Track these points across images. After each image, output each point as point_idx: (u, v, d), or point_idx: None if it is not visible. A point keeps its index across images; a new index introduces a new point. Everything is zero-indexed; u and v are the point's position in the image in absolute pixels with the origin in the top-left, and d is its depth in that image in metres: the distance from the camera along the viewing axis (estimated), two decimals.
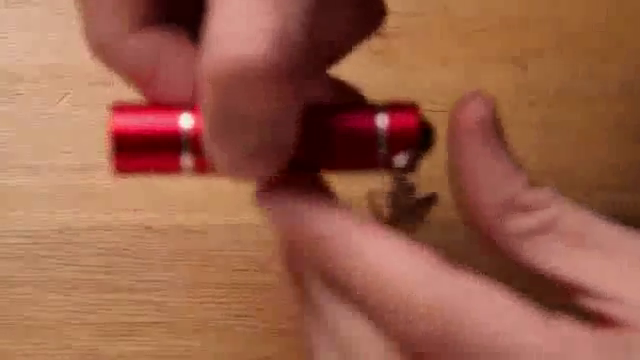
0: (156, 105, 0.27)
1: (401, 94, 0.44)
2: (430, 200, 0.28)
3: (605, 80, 0.45)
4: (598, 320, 0.25)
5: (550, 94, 0.45)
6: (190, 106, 0.26)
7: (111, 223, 0.42)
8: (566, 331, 0.24)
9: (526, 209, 0.26)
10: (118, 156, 0.26)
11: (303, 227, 0.26)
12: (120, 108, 0.27)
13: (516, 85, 0.45)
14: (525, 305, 0.24)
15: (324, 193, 0.27)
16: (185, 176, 0.27)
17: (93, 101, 0.44)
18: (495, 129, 0.27)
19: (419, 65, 0.45)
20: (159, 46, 0.27)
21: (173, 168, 0.27)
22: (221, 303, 0.41)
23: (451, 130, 0.27)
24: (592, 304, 0.26)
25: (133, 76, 0.27)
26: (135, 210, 0.42)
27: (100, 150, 0.43)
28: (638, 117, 0.45)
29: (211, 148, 0.24)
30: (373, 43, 0.44)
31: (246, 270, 0.42)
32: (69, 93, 0.44)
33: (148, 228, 0.42)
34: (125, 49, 0.27)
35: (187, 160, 0.26)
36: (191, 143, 0.26)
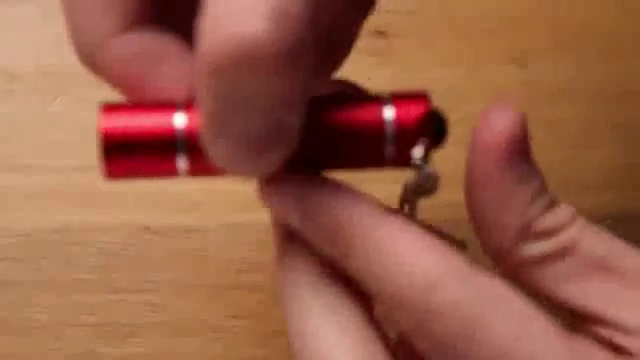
0: (147, 104, 0.25)
1: None
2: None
3: (605, 80, 0.45)
4: (611, 349, 0.25)
5: (550, 94, 0.45)
6: (183, 104, 0.25)
7: (108, 223, 0.42)
8: (589, 349, 0.24)
9: (543, 234, 0.25)
10: (108, 159, 0.25)
11: (323, 216, 0.25)
12: (109, 108, 0.25)
13: (516, 85, 0.45)
14: (547, 315, 0.24)
15: (340, 183, 0.25)
16: (181, 178, 0.26)
17: (90, 100, 0.43)
18: (523, 149, 0.25)
19: (419, 65, 0.45)
20: (148, 47, 0.26)
21: (169, 170, 0.25)
22: (219, 304, 0.41)
23: (474, 144, 0.25)
24: (606, 333, 0.25)
25: (121, 80, 0.26)
26: (132, 210, 0.42)
27: (97, 150, 0.43)
28: (638, 117, 0.45)
29: (211, 143, 0.23)
30: (373, 43, 0.44)
31: (244, 271, 0.41)
32: (66, 92, 0.44)
33: (146, 228, 0.42)
34: (112, 51, 0.26)
35: (183, 161, 0.25)
36: (187, 143, 0.25)
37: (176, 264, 0.42)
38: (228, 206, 0.42)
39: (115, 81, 0.26)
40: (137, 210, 0.42)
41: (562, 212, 0.26)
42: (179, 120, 0.25)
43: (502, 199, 0.25)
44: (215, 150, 0.23)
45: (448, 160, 0.28)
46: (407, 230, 0.24)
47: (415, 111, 0.25)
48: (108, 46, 0.26)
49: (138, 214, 0.42)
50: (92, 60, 0.26)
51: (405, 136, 0.25)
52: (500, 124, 0.25)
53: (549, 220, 0.25)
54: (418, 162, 0.25)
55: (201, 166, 0.25)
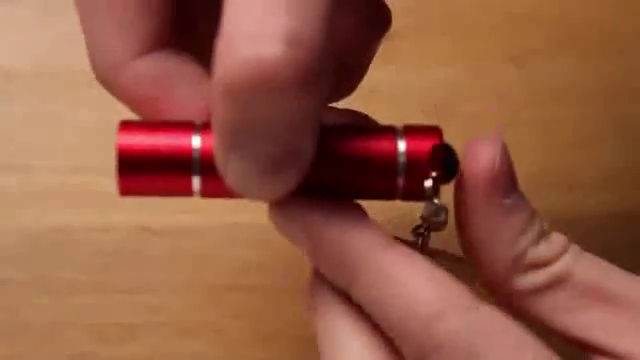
0: (165, 123, 0.26)
1: (401, 93, 0.44)
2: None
3: (605, 79, 0.45)
4: None
5: (549, 93, 0.45)
6: (200, 124, 0.25)
7: (108, 224, 0.42)
8: None
9: (536, 265, 0.25)
10: (123, 176, 0.25)
11: (328, 244, 0.25)
12: (127, 125, 0.25)
13: (516, 84, 0.45)
14: (549, 351, 0.24)
15: (347, 209, 0.25)
16: (195, 197, 0.26)
17: (88, 101, 0.44)
18: (509, 180, 0.25)
19: (418, 64, 0.44)
20: (164, 71, 0.26)
21: (182, 190, 0.25)
22: (218, 304, 0.41)
23: (460, 179, 0.25)
24: None
25: (136, 103, 0.27)
26: (132, 210, 0.42)
27: (96, 150, 0.43)
28: (638, 117, 0.45)
29: (224, 165, 0.23)
30: None
31: (243, 271, 0.41)
32: (64, 92, 0.44)
33: (145, 229, 0.42)
34: (127, 75, 0.26)
35: (198, 182, 0.25)
36: (202, 163, 0.25)
37: (176, 265, 0.42)
38: (228, 207, 0.42)
39: (130, 103, 0.27)
40: (137, 210, 0.42)
41: (554, 242, 0.26)
42: (195, 141, 0.25)
43: (492, 231, 0.25)
44: (228, 172, 0.23)
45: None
46: (411, 260, 0.24)
47: (427, 144, 0.25)
48: (123, 69, 0.26)
49: (138, 214, 0.42)
50: (108, 82, 0.27)
51: (416, 169, 0.25)
52: (484, 158, 0.25)
53: (541, 251, 0.25)
54: (429, 195, 0.25)
55: (215, 187, 0.25)
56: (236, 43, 0.21)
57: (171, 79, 0.26)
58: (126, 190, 0.25)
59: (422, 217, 0.26)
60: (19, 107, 0.44)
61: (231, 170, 0.23)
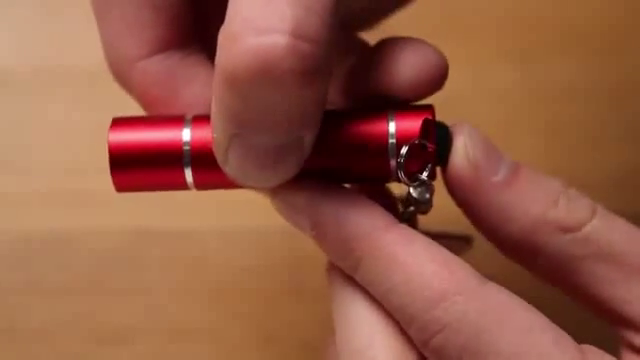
0: (156, 118, 0.26)
1: None
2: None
3: (606, 79, 0.45)
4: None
5: (551, 94, 0.45)
6: (191, 118, 0.26)
7: (106, 225, 0.42)
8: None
9: (564, 228, 0.25)
10: (115, 172, 0.26)
11: (331, 228, 0.25)
12: (118, 122, 0.26)
13: (516, 84, 0.45)
14: (558, 329, 0.23)
15: (348, 193, 0.25)
16: (190, 190, 0.26)
17: (86, 102, 0.44)
18: (487, 161, 0.25)
19: None
20: (174, 70, 0.27)
21: (177, 184, 0.26)
22: (216, 307, 0.41)
23: (445, 180, 0.26)
24: (637, 340, 0.25)
25: (147, 101, 0.27)
26: (130, 213, 0.42)
27: (93, 152, 0.43)
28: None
29: (224, 156, 0.24)
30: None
31: (241, 274, 0.41)
32: (64, 93, 0.44)
33: (142, 232, 0.42)
34: (138, 73, 0.27)
35: (190, 174, 0.25)
36: (194, 156, 0.25)
37: (173, 267, 0.41)
38: (223, 211, 0.42)
39: (142, 101, 0.27)
40: (134, 213, 0.42)
41: (578, 204, 0.25)
42: (186, 133, 0.25)
43: (498, 211, 0.25)
44: (228, 162, 0.24)
45: None
46: (414, 241, 0.24)
47: (417, 122, 0.25)
48: (135, 68, 0.27)
49: (135, 217, 0.42)
50: (121, 78, 0.27)
51: (408, 150, 0.25)
52: (454, 152, 0.25)
53: (561, 211, 0.25)
54: (422, 176, 0.25)
55: (209, 179, 0.26)
56: (240, 33, 0.21)
57: (182, 79, 0.27)
58: (121, 186, 0.26)
59: (408, 198, 0.25)
60: (18, 107, 0.44)
61: (231, 160, 0.24)
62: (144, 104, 0.28)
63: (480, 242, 0.27)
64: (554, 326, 0.23)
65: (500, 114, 0.44)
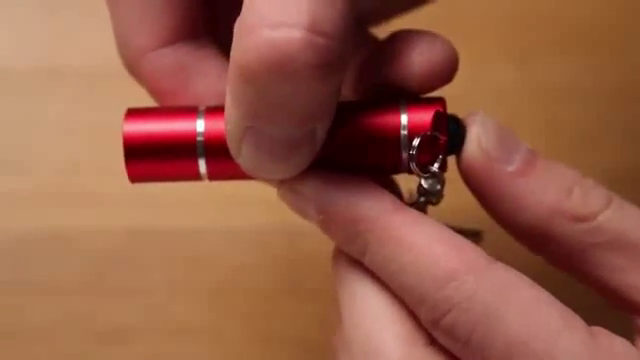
0: (170, 109, 0.26)
1: None
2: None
3: (606, 79, 0.45)
4: None
5: (551, 93, 0.45)
6: (205, 109, 0.26)
7: (104, 226, 0.42)
8: (610, 340, 0.23)
9: (578, 218, 0.25)
10: (130, 163, 0.26)
11: (339, 209, 0.25)
12: (132, 112, 0.26)
13: (516, 84, 0.44)
14: (567, 310, 0.23)
15: (354, 178, 0.25)
16: (203, 181, 0.26)
17: (86, 102, 0.43)
18: (502, 150, 0.25)
19: None
20: (184, 62, 0.27)
21: (190, 174, 0.26)
22: (215, 306, 0.41)
23: (460, 170, 0.26)
24: None
25: (157, 92, 0.27)
26: (128, 212, 0.42)
27: (93, 152, 0.43)
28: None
29: (237, 147, 0.24)
30: None
31: (240, 273, 0.41)
32: (63, 92, 0.44)
33: (142, 232, 0.42)
34: (148, 65, 0.27)
35: (204, 165, 0.26)
36: (207, 146, 0.25)
37: (173, 266, 0.41)
38: (225, 208, 0.42)
39: (152, 92, 0.28)
40: (134, 213, 0.42)
41: (593, 194, 0.25)
42: (200, 124, 0.25)
43: (514, 200, 0.25)
44: (241, 154, 0.24)
45: (449, 159, 0.27)
46: (422, 223, 0.24)
47: (429, 114, 0.25)
48: (145, 59, 0.27)
49: (135, 217, 0.42)
50: (132, 69, 0.27)
51: (420, 141, 0.25)
52: (468, 143, 0.25)
53: (576, 201, 0.25)
54: (432, 168, 0.25)
55: (222, 170, 0.26)
56: (256, 26, 0.21)
57: (193, 71, 0.27)
58: (135, 176, 0.26)
59: (419, 189, 0.26)
60: (17, 106, 0.44)
61: (245, 152, 0.24)
62: (155, 95, 0.28)
63: (489, 238, 0.28)
64: (563, 306, 0.23)
65: (500, 114, 0.44)
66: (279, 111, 0.22)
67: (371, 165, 0.26)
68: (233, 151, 0.24)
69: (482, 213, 0.27)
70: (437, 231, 0.24)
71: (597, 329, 0.24)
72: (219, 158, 0.25)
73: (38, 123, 0.44)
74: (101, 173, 0.42)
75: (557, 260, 0.26)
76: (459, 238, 0.24)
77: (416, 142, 0.25)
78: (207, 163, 0.26)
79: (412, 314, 0.24)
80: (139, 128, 0.26)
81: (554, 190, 0.25)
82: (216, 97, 0.27)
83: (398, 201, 0.25)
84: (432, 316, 0.23)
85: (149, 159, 0.26)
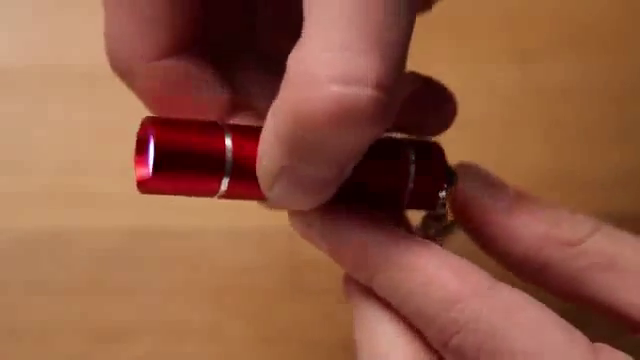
0: (192, 121, 0.25)
1: None
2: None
3: (606, 79, 0.45)
4: None
5: (551, 93, 0.45)
6: (226, 125, 0.25)
7: (104, 226, 0.42)
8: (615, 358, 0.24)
9: (569, 243, 0.26)
10: (156, 175, 0.24)
11: (347, 239, 0.25)
12: (158, 123, 0.24)
13: (519, 84, 0.45)
14: (570, 327, 0.24)
15: (360, 208, 0.26)
16: (215, 198, 0.25)
17: (86, 102, 0.43)
18: (489, 196, 0.27)
19: (419, 64, 0.44)
20: (178, 76, 0.26)
21: (208, 190, 0.25)
22: (216, 306, 0.41)
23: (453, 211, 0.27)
24: None
25: (153, 102, 0.27)
26: (129, 212, 0.42)
27: (93, 152, 0.43)
28: None
29: (270, 182, 0.23)
30: None
31: (241, 273, 0.41)
32: (62, 92, 0.44)
33: (141, 232, 0.42)
34: (142, 77, 0.26)
35: (226, 183, 0.25)
36: (237, 166, 0.24)
37: (173, 266, 0.41)
38: (222, 210, 0.42)
39: (147, 100, 0.27)
40: (134, 213, 0.42)
41: (580, 221, 0.27)
42: (228, 141, 0.24)
43: (505, 232, 0.27)
44: (272, 189, 0.24)
45: (450, 158, 0.28)
46: (425, 247, 0.25)
47: (434, 164, 0.27)
48: (139, 71, 0.26)
49: (135, 217, 0.42)
50: (126, 75, 0.27)
51: (424, 186, 0.27)
52: (458, 197, 0.27)
53: (566, 229, 0.26)
54: (441, 210, 0.27)
55: (239, 190, 0.25)
56: (324, 78, 0.21)
57: (192, 82, 0.27)
58: (150, 188, 0.25)
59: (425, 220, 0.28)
60: (17, 107, 0.44)
61: (277, 188, 0.23)
62: (149, 104, 0.27)
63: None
64: (566, 323, 0.24)
65: (500, 114, 0.44)
66: (324, 155, 0.22)
67: (374, 201, 0.26)
68: (264, 185, 0.24)
69: None
70: (442, 256, 0.25)
71: (600, 345, 0.24)
72: (242, 180, 0.24)
73: (38, 123, 0.44)
74: (101, 173, 0.42)
75: (556, 288, 0.27)
76: (463, 262, 0.25)
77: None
78: (230, 183, 0.25)
79: (422, 337, 0.25)
80: (170, 139, 0.24)
81: (545, 221, 0.27)
82: (211, 111, 0.27)
83: (401, 229, 0.26)
84: (441, 337, 0.24)
85: (175, 172, 0.24)
